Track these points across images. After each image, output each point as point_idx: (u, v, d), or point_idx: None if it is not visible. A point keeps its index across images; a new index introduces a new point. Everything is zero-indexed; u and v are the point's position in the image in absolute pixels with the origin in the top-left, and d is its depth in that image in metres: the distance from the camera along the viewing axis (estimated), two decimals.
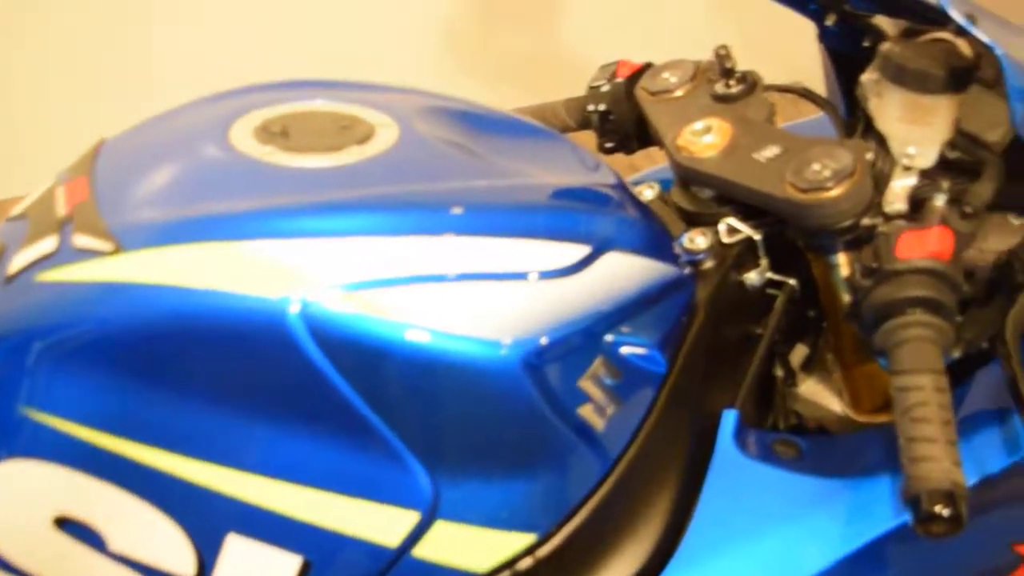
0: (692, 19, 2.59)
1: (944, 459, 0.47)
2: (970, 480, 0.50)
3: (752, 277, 0.64)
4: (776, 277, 0.66)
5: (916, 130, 0.61)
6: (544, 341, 0.48)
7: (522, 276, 0.49)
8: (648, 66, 0.81)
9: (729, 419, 0.59)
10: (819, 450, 0.61)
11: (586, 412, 0.51)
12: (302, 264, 0.45)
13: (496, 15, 2.40)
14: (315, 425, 0.47)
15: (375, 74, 0.67)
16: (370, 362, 0.45)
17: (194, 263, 0.45)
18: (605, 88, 0.81)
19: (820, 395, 0.74)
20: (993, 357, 0.63)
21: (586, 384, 0.51)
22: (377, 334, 0.45)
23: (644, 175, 0.81)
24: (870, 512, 0.55)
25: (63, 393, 0.47)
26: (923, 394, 0.49)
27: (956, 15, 0.54)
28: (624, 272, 0.54)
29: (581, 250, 0.52)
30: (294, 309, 0.44)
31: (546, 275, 0.50)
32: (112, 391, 0.46)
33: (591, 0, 2.43)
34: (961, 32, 0.66)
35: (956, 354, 0.58)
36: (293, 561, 0.49)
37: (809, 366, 0.75)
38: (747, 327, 0.67)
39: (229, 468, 0.47)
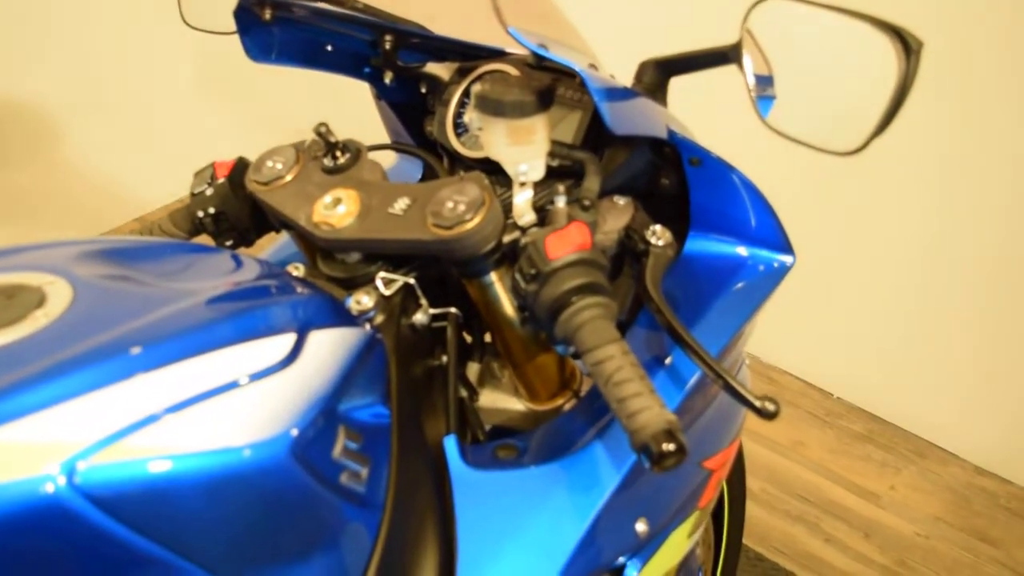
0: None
1: (653, 405, 0.54)
2: None
3: (419, 317, 0.71)
4: (438, 311, 0.73)
5: (522, 150, 0.69)
6: (296, 430, 0.51)
7: (258, 376, 0.51)
8: (240, 160, 0.84)
9: (451, 444, 0.66)
10: (534, 443, 0.69)
11: (346, 479, 0.55)
12: (47, 436, 0.43)
13: None
14: None
15: None
16: (149, 505, 0.45)
17: None
18: (209, 192, 0.82)
19: (499, 400, 0.83)
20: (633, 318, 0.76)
21: (338, 454, 0.55)
22: (146, 476, 0.44)
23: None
24: (596, 474, 0.65)
25: None
26: (615, 361, 0.57)
27: (531, 45, 0.63)
28: (331, 346, 0.58)
29: (288, 339, 0.55)
30: (61, 480, 0.42)
31: (273, 369, 0.52)
32: None
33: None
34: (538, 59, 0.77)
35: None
36: None
37: (482, 380, 0.85)
38: (431, 361, 0.74)
39: None
